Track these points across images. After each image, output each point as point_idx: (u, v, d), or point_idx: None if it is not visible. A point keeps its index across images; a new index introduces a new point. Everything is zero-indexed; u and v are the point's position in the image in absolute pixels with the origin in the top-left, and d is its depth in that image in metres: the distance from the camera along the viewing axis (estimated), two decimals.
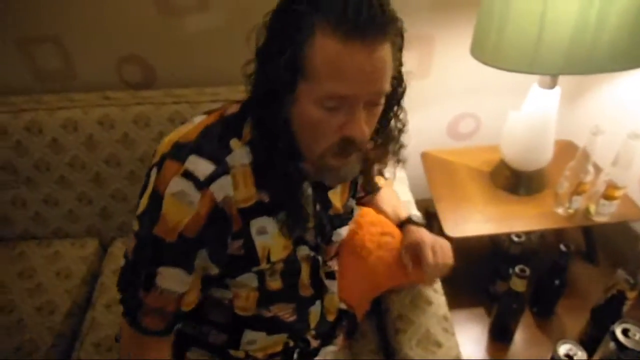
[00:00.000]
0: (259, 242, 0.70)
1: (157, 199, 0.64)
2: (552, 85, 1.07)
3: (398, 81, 0.69)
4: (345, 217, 0.85)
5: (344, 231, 0.86)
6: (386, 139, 0.76)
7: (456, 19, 1.28)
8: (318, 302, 0.86)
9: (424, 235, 0.93)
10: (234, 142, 0.67)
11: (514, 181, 1.22)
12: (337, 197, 0.82)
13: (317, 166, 0.68)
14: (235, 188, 0.66)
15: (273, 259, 0.72)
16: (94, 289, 1.18)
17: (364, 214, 0.99)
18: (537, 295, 1.13)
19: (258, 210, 0.69)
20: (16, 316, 1.08)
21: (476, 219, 1.16)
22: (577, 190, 1.10)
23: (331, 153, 0.65)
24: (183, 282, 0.67)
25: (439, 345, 0.90)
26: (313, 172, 0.70)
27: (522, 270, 0.96)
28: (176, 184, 0.63)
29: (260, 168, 0.67)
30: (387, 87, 0.62)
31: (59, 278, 1.17)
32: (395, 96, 0.71)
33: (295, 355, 0.88)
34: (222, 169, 0.65)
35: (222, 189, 0.65)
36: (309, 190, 0.75)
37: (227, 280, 0.73)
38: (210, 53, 1.27)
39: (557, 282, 1.08)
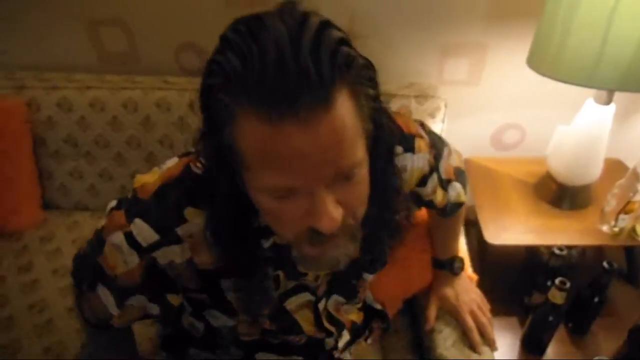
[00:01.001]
0: (232, 296, 0.65)
1: (101, 237, 0.62)
2: (607, 101, 1.06)
3: (380, 132, 0.54)
4: (375, 265, 0.78)
5: (375, 274, 0.81)
6: (386, 204, 0.62)
7: (511, 29, 1.28)
8: (343, 333, 0.83)
9: (459, 291, 0.97)
10: (189, 212, 0.59)
11: (559, 195, 1.21)
12: None
13: (295, 254, 0.57)
14: (196, 254, 0.61)
15: (251, 313, 0.68)
16: None
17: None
18: (573, 311, 1.12)
19: (227, 272, 0.63)
20: (69, 279, 1.15)
21: (517, 229, 1.15)
22: (625, 209, 1.08)
23: (304, 241, 0.53)
24: (113, 307, 0.65)
25: (474, 349, 0.91)
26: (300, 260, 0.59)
27: (563, 283, 0.96)
28: (117, 238, 0.59)
29: (216, 245, 0.59)
30: (355, 155, 0.48)
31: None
32: (380, 149, 0.55)
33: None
34: (170, 240, 0.59)
35: (167, 256, 0.60)
36: None
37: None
38: None
39: (596, 299, 1.07)
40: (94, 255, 0.63)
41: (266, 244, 0.63)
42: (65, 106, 1.24)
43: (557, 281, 0.97)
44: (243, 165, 0.49)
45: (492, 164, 1.39)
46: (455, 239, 1.02)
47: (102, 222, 0.65)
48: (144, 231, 0.59)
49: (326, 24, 0.46)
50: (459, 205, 0.91)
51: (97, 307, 0.67)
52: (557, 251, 1.07)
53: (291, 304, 0.72)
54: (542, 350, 1.09)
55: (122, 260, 0.60)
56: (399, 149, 0.69)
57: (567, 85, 1.02)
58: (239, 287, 0.64)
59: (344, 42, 0.46)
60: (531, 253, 1.24)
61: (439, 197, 0.84)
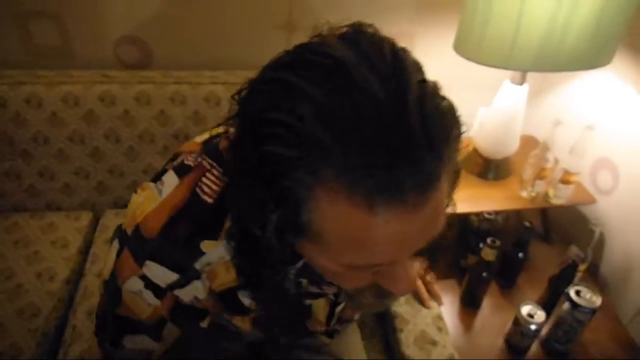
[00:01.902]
0: (248, 302, 0.61)
1: (115, 286, 0.56)
2: (521, 82, 1.21)
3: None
4: None
5: None
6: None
7: (436, 20, 1.40)
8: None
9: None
10: (205, 245, 0.54)
11: (484, 168, 1.36)
12: None
13: (350, 299, 0.55)
14: (213, 280, 0.56)
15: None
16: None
17: None
18: (502, 268, 1.27)
19: (245, 287, 0.58)
20: (15, 281, 1.11)
21: None
22: (539, 175, 1.25)
23: (367, 293, 0.50)
24: (151, 344, 0.62)
25: (434, 343, 0.97)
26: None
27: (493, 241, 1.10)
28: (133, 284, 0.55)
29: (245, 281, 0.55)
30: (444, 220, 0.45)
31: (56, 247, 1.20)
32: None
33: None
34: (189, 277, 0.55)
35: (189, 293, 0.56)
36: None
37: None
38: (208, 38, 1.34)
39: (520, 255, 1.22)
40: (114, 308, 0.58)
41: (298, 265, 0.57)
42: None
43: (488, 240, 1.10)
44: (315, 240, 0.41)
45: None
46: None
47: (105, 268, 0.58)
48: (159, 273, 0.54)
49: (419, 68, 0.40)
50: None
51: (133, 355, 0.63)
52: (486, 215, 1.21)
53: (310, 301, 0.68)
54: (478, 304, 1.23)
55: (144, 304, 0.56)
56: None
57: (486, 70, 1.16)
58: (255, 297, 0.60)
59: (445, 99, 0.39)
60: (463, 220, 1.38)
61: None
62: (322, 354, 0.91)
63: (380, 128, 0.33)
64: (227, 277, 0.56)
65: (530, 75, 1.24)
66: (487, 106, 1.32)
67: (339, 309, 0.70)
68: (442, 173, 0.38)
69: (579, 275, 1.22)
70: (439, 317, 1.02)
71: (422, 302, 1.03)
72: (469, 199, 1.29)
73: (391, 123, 0.34)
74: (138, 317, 0.57)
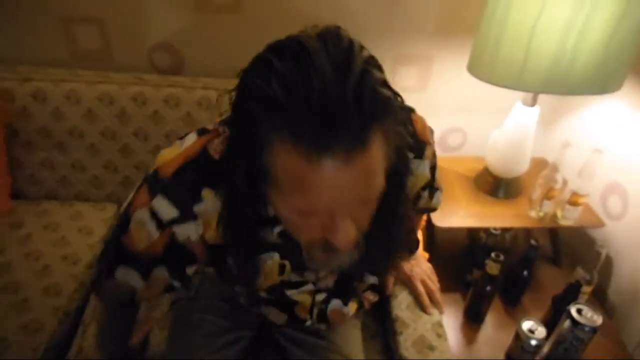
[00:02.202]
0: (235, 268, 0.72)
1: (127, 215, 0.68)
2: (532, 104, 1.25)
3: (401, 164, 0.58)
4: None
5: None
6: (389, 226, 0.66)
7: (453, 43, 1.46)
8: (322, 325, 0.93)
9: (414, 267, 1.10)
10: (206, 192, 0.64)
11: (495, 186, 1.39)
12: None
13: (305, 255, 0.63)
14: (207, 229, 0.66)
15: (252, 285, 0.78)
16: None
17: None
18: (507, 286, 1.29)
19: (230, 251, 0.69)
20: (42, 263, 1.18)
21: (460, 214, 1.32)
22: (547, 195, 1.27)
23: (317, 247, 0.59)
24: (138, 282, 0.71)
25: (431, 348, 0.99)
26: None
27: (497, 256, 1.12)
28: (142, 214, 0.65)
29: (227, 231, 0.65)
30: (377, 187, 0.53)
31: (81, 234, 1.28)
32: (395, 177, 0.58)
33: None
34: (187, 216, 0.65)
35: (184, 231, 0.66)
36: None
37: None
38: (236, 47, 1.42)
39: (525, 273, 1.24)
40: (119, 235, 0.69)
41: (276, 229, 0.68)
42: (40, 97, 1.28)
43: (492, 254, 1.13)
44: (272, 183, 0.51)
45: (438, 162, 1.56)
46: (417, 226, 1.16)
47: (125, 203, 0.71)
48: (164, 207, 0.64)
49: (370, 62, 0.48)
50: (433, 210, 1.05)
51: (118, 289, 0.73)
52: (492, 231, 1.24)
53: (293, 293, 0.80)
54: (482, 319, 1.24)
55: (145, 235, 0.66)
56: (410, 154, 0.72)
57: (500, 93, 1.21)
58: (241, 262, 0.71)
59: (385, 84, 0.49)
60: (471, 237, 1.41)
61: (423, 201, 0.92)
62: (320, 350, 0.96)
63: (323, 98, 0.44)
64: (216, 234, 0.66)
65: (544, 101, 1.28)
66: (501, 128, 1.36)
67: (319, 297, 0.83)
68: (371, 142, 0.47)
69: (584, 297, 1.23)
70: (439, 324, 1.04)
71: (423, 309, 1.06)
72: (479, 215, 1.32)
73: (332, 95, 0.44)
74: (136, 247, 0.68)
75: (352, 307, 0.97)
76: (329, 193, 0.49)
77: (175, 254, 0.68)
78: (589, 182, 1.24)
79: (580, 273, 1.22)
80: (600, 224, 1.32)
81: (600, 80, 1.07)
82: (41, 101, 1.28)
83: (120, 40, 1.41)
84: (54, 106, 1.28)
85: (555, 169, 1.26)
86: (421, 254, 1.19)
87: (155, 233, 0.66)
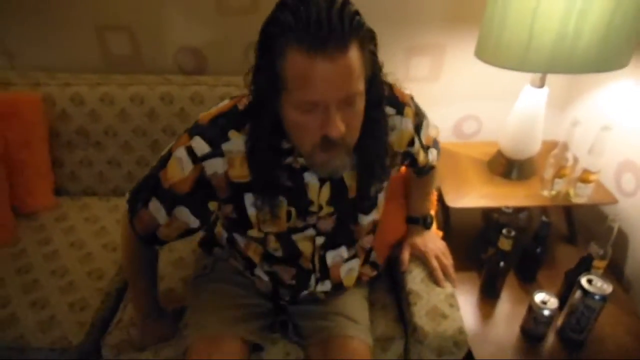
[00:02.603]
0: (251, 212, 0.89)
1: (169, 153, 0.86)
2: (541, 85, 1.29)
3: (375, 79, 0.76)
4: (368, 203, 0.97)
5: (371, 215, 0.99)
6: (374, 137, 0.82)
7: (465, 30, 1.50)
8: (325, 282, 1.03)
9: (427, 241, 1.17)
10: (232, 133, 0.82)
11: (508, 168, 1.43)
12: (353, 180, 0.91)
13: (309, 162, 0.80)
14: (231, 167, 0.83)
15: (264, 229, 0.91)
16: None
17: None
18: (522, 263, 1.33)
19: (251, 187, 0.85)
20: (85, 250, 1.30)
21: (474, 195, 1.37)
22: (559, 174, 1.31)
23: (317, 149, 0.74)
24: (162, 217, 0.87)
25: (444, 317, 1.05)
26: (311, 168, 0.84)
27: (509, 232, 1.17)
28: (180, 152, 0.83)
29: (251, 159, 0.82)
30: (358, 87, 0.70)
31: (120, 224, 1.38)
32: (374, 93, 0.77)
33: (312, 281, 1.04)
34: (216, 152, 0.82)
35: (212, 166, 0.82)
36: (314, 179, 0.87)
37: (240, 233, 0.98)
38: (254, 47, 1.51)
39: (538, 250, 1.28)
40: (157, 171, 0.87)
41: (289, 160, 0.84)
42: (78, 100, 1.40)
43: (504, 231, 1.18)
44: (284, 86, 0.70)
45: (454, 147, 1.61)
46: (427, 200, 1.24)
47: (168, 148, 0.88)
48: (200, 144, 0.82)
49: (347, 1, 0.69)
50: (431, 167, 1.16)
51: (147, 222, 0.89)
52: (505, 210, 1.29)
53: (297, 237, 0.94)
54: (497, 295, 1.29)
55: (180, 169, 0.83)
56: (391, 110, 0.90)
57: (512, 79, 1.25)
58: (260, 202, 0.86)
59: (358, 13, 0.70)
60: (486, 217, 1.45)
61: (421, 157, 1.05)
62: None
63: (317, 18, 0.65)
64: (240, 172, 0.84)
65: (555, 84, 1.31)
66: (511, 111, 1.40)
67: (319, 241, 0.96)
68: (350, 48, 0.67)
69: (598, 272, 1.25)
70: (452, 296, 1.10)
71: (437, 282, 1.12)
72: (491, 196, 1.37)
73: (323, 16, 0.65)
74: (169, 182, 0.84)
75: (352, 268, 1.05)
76: (323, 85, 0.67)
77: (201, 189, 0.84)
78: (599, 159, 1.27)
79: (593, 248, 1.25)
80: (613, 201, 1.35)
81: (604, 57, 1.11)
82: (79, 104, 1.40)
83: (148, 46, 1.52)
84: (90, 108, 1.40)
85: (565, 147, 1.30)
86: (435, 231, 1.24)
87: (189, 167, 0.82)
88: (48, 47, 1.51)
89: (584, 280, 1.09)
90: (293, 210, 0.89)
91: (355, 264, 1.06)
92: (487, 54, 1.21)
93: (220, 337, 0.98)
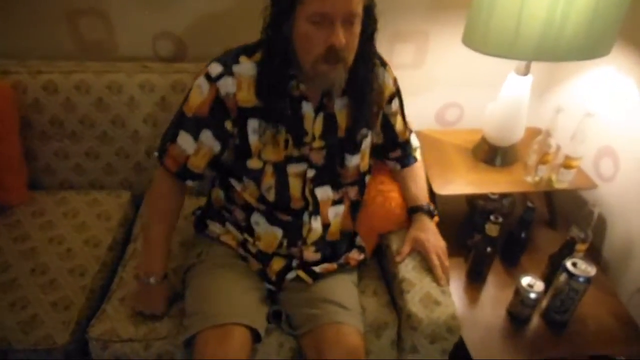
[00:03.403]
0: (253, 138, 0.98)
1: (191, 87, 0.99)
2: (525, 73, 1.30)
3: (370, 12, 0.92)
4: (355, 143, 1.06)
5: (355, 158, 1.07)
6: (368, 65, 0.97)
7: (449, 18, 1.50)
8: (317, 218, 1.08)
9: (430, 236, 1.16)
10: (242, 58, 0.96)
11: (492, 154, 1.45)
12: (343, 120, 1.03)
13: (312, 73, 0.90)
14: (239, 90, 0.94)
15: (264, 157, 0.99)
16: (130, 230, 1.36)
17: (376, 173, 1.23)
18: (506, 247, 1.36)
19: (255, 112, 0.96)
20: (65, 246, 1.25)
21: (459, 182, 1.38)
22: (542, 160, 1.34)
23: (321, 60, 0.87)
24: (190, 146, 0.99)
25: (437, 303, 1.07)
26: (309, 82, 0.94)
27: (496, 218, 1.19)
28: (200, 80, 0.96)
29: (260, 81, 0.93)
30: (358, 9, 0.86)
31: (100, 219, 1.34)
32: (368, 25, 0.93)
33: (293, 264, 1.10)
34: (227, 72, 0.94)
35: (225, 86, 0.94)
36: (310, 110, 0.99)
37: (238, 175, 1.04)
38: (237, 32, 1.46)
39: (523, 234, 1.31)
40: (181, 107, 1.00)
41: (291, 85, 0.95)
42: (51, 89, 1.33)
43: (491, 217, 1.20)
44: (299, 2, 0.83)
45: (437, 134, 1.63)
46: (422, 189, 1.24)
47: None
48: (214, 66, 0.95)
49: None
50: (415, 159, 1.24)
51: (177, 155, 1.00)
52: (490, 196, 1.31)
53: (291, 168, 1.02)
54: (483, 279, 1.32)
55: (199, 93, 0.96)
56: (377, 61, 1.03)
57: (495, 66, 1.26)
58: (263, 127, 0.96)
59: None
60: (471, 204, 1.47)
61: (398, 124, 1.16)
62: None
63: None
64: (247, 96, 0.95)
65: (537, 71, 1.33)
66: (495, 102, 1.42)
67: (310, 174, 1.03)
68: None
69: (579, 255, 1.29)
70: None
71: (436, 280, 1.12)
72: (477, 183, 1.39)
73: None
74: (191, 110, 0.97)
75: (338, 213, 1.11)
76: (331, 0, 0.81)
77: (217, 109, 0.96)
78: (581, 145, 1.31)
79: (574, 232, 1.29)
80: (593, 186, 1.39)
81: (589, 45, 1.13)
82: (52, 92, 1.33)
83: (123, 31, 1.45)
84: (64, 97, 1.33)
85: (548, 134, 1.33)
86: (435, 229, 1.23)
87: (206, 88, 0.95)
88: (15, 33, 1.42)
89: (569, 264, 1.13)
90: (290, 138, 0.99)
91: (341, 209, 1.11)
92: (475, 41, 1.21)
93: (230, 327, 0.97)
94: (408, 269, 1.13)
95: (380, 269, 1.25)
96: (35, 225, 1.30)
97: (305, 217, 1.07)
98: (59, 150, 1.40)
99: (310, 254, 1.11)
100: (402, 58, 1.60)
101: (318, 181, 1.05)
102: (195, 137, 0.98)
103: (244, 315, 1.00)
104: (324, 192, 1.07)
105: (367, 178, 1.15)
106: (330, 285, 1.09)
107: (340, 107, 1.01)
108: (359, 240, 1.20)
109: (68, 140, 1.39)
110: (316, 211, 1.07)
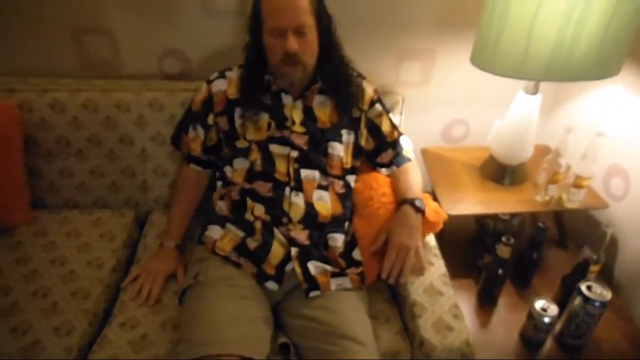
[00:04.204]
0: (238, 122, 1.19)
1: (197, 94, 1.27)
2: (534, 92, 1.30)
3: (321, 17, 1.09)
4: (335, 133, 1.20)
5: (337, 146, 1.19)
6: (334, 66, 1.16)
7: (456, 37, 1.50)
8: (298, 194, 1.15)
9: (403, 231, 1.11)
10: (235, 68, 1.23)
11: (500, 173, 1.44)
12: (324, 113, 1.20)
13: (278, 73, 1.13)
14: (229, 87, 1.20)
15: (248, 137, 1.17)
16: (134, 252, 1.34)
17: (378, 186, 1.20)
18: (517, 268, 1.34)
19: (239, 103, 1.19)
20: (68, 268, 1.22)
21: (468, 202, 1.37)
22: (552, 180, 1.32)
23: (281, 63, 1.08)
24: (191, 133, 1.26)
25: (450, 329, 1.04)
26: (279, 82, 1.15)
27: (508, 239, 1.17)
28: (204, 86, 1.24)
29: (241, 78, 1.19)
30: (306, 21, 1.04)
31: (104, 239, 1.32)
32: (323, 23, 1.10)
33: (292, 252, 1.11)
34: (221, 76, 1.23)
35: (217, 85, 1.22)
36: (289, 100, 1.18)
37: (230, 160, 1.21)
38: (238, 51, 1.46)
39: (534, 255, 1.29)
40: (190, 105, 1.29)
41: (270, 80, 1.17)
42: (58, 107, 1.32)
43: (503, 238, 1.18)
44: (262, 19, 1.06)
45: (444, 152, 1.62)
46: (414, 185, 1.22)
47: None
48: (213, 74, 1.24)
49: None
50: (407, 159, 1.30)
51: (185, 143, 1.28)
52: (501, 216, 1.29)
53: (274, 148, 1.17)
54: (495, 301, 1.29)
55: (200, 92, 1.25)
56: (353, 72, 1.23)
57: (501, 84, 1.26)
58: (244, 112, 1.17)
59: None
60: (480, 223, 1.45)
61: (385, 126, 1.27)
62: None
63: None
64: (234, 91, 1.20)
65: (545, 89, 1.32)
66: (502, 119, 1.41)
67: (293, 154, 1.17)
68: None
69: (591, 276, 1.27)
70: (456, 306, 1.09)
71: (419, 269, 1.11)
72: (486, 202, 1.37)
73: None
74: (195, 106, 1.25)
75: (322, 197, 1.17)
76: (282, 14, 1.03)
77: (206, 106, 1.23)
78: (592, 165, 1.29)
79: (587, 252, 1.27)
80: (604, 205, 1.37)
81: (599, 65, 1.12)
82: (59, 111, 1.32)
83: (129, 49, 1.44)
84: (72, 115, 1.32)
85: (558, 153, 1.31)
86: (435, 210, 1.20)
87: (204, 88, 1.24)
88: (21, 51, 1.42)
89: (583, 287, 1.10)
90: (273, 122, 1.17)
91: (326, 195, 1.18)
92: (483, 61, 1.21)
93: (223, 358, 0.92)
94: (419, 292, 1.10)
95: (390, 290, 1.22)
96: (38, 247, 1.27)
97: (287, 191, 1.15)
98: (64, 168, 1.39)
99: (299, 232, 1.13)
100: (409, 76, 1.60)
101: (304, 164, 1.17)
102: (194, 127, 1.25)
103: (238, 343, 0.95)
104: (309, 174, 1.18)
105: (352, 179, 1.23)
106: (344, 316, 1.04)
107: (318, 102, 1.20)
108: (356, 253, 1.17)
109: (74, 159, 1.38)
110: (298, 187, 1.16)
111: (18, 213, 1.34)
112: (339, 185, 1.20)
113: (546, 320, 1.12)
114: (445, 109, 1.69)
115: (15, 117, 1.30)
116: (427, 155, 1.59)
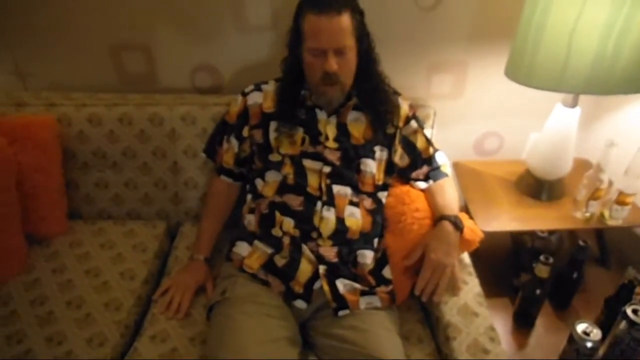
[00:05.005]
0: (273, 136, 1.19)
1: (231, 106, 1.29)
2: (573, 105, 1.25)
3: (361, 37, 1.08)
4: (368, 149, 1.19)
5: (369, 162, 1.18)
6: (371, 84, 1.16)
7: (489, 48, 1.47)
8: (330, 209, 1.14)
9: (440, 247, 1.08)
10: (270, 81, 1.24)
11: (537, 188, 1.39)
12: (358, 130, 1.19)
13: (315, 91, 1.13)
14: (264, 100, 1.21)
15: (282, 151, 1.17)
16: (165, 262, 1.35)
17: (411, 200, 1.17)
18: (556, 289, 1.28)
19: (275, 116, 1.19)
20: (102, 279, 1.24)
21: (504, 218, 1.32)
22: (593, 196, 1.27)
23: (320, 82, 1.08)
24: (224, 145, 1.27)
25: (486, 352, 1.00)
26: (315, 98, 1.16)
27: (547, 258, 1.12)
28: (238, 98, 1.26)
29: (278, 92, 1.19)
30: (346, 42, 1.04)
31: (136, 251, 1.34)
32: (363, 45, 1.10)
33: (320, 270, 1.09)
34: (257, 89, 1.24)
35: (253, 98, 1.23)
36: (324, 116, 1.18)
37: (262, 173, 1.21)
38: (271, 66, 1.47)
39: (575, 275, 1.23)
40: (224, 117, 1.30)
41: (306, 96, 1.18)
42: (96, 121, 1.36)
43: (541, 257, 1.13)
44: (303, 38, 1.06)
45: (477, 165, 1.58)
46: (451, 202, 1.20)
47: None
48: (249, 87, 1.25)
49: None
50: (444, 174, 1.28)
51: (219, 155, 1.29)
52: (539, 234, 1.24)
53: (307, 163, 1.17)
54: (532, 323, 1.24)
55: (234, 105, 1.26)
56: (390, 89, 1.22)
57: (536, 96, 1.22)
58: (279, 127, 1.18)
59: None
60: (516, 240, 1.40)
61: (420, 142, 1.26)
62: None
63: None
64: (270, 104, 1.21)
65: (584, 101, 1.27)
66: (537, 132, 1.37)
67: (326, 169, 1.16)
68: (343, 13, 1.02)
69: (637, 298, 1.20)
70: (492, 328, 1.04)
71: (415, 290, 1.07)
72: (522, 219, 1.32)
73: None
74: (230, 118, 1.27)
75: (354, 214, 1.15)
76: (324, 35, 1.02)
77: (241, 118, 1.24)
78: (636, 180, 1.23)
79: (631, 273, 1.20)
80: None
81: None
82: (96, 125, 1.36)
83: (164, 64, 1.48)
84: (108, 129, 1.36)
85: (600, 169, 1.26)
86: (471, 229, 1.16)
87: (239, 100, 1.25)
88: (61, 67, 1.48)
89: (629, 311, 1.04)
90: (307, 137, 1.17)
91: (357, 212, 1.16)
92: (519, 74, 1.18)
93: None
94: (453, 313, 1.06)
95: (422, 309, 1.19)
96: (73, 257, 1.30)
97: (318, 205, 1.14)
98: (100, 180, 1.42)
99: (327, 249, 1.11)
100: (441, 88, 1.57)
101: (336, 179, 1.16)
102: (228, 139, 1.26)
103: None
104: (341, 189, 1.17)
105: (383, 196, 1.22)
106: (375, 337, 1.01)
107: (352, 119, 1.19)
108: (386, 271, 1.15)
109: (109, 171, 1.41)
110: (330, 202, 1.15)
111: (55, 224, 1.38)
112: (368, 202, 1.19)
113: (589, 345, 1.06)
114: (478, 122, 1.66)
115: (54, 130, 1.34)
116: (460, 169, 1.55)
